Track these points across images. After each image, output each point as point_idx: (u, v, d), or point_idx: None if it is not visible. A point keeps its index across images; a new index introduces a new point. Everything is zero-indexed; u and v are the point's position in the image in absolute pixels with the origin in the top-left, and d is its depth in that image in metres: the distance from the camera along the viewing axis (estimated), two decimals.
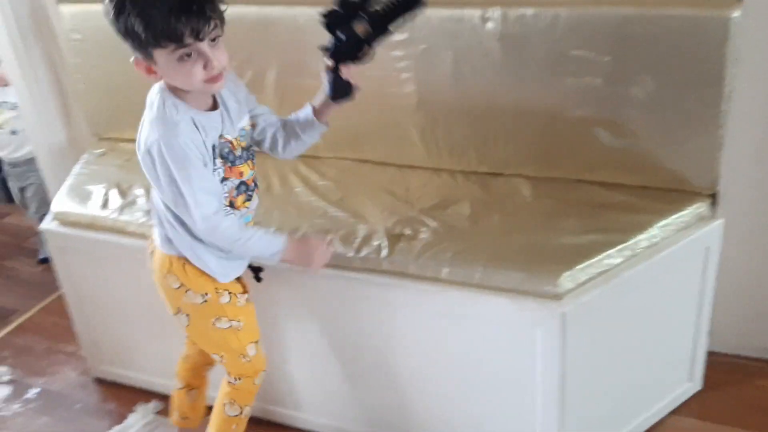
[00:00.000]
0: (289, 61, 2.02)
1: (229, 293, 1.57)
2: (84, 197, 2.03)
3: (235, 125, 1.47)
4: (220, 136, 1.42)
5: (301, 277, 1.71)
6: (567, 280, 1.50)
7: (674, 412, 1.87)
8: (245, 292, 1.62)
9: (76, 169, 2.20)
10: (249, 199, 1.54)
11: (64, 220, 2.00)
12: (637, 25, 1.61)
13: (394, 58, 1.85)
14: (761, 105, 1.71)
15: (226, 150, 1.44)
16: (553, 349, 1.52)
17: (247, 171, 1.50)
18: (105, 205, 1.98)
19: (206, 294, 1.54)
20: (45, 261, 2.84)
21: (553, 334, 1.51)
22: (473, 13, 1.72)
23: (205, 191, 1.39)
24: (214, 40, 1.29)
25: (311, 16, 1.86)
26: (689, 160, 1.69)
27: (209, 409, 1.78)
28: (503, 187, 1.83)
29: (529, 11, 1.68)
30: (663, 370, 1.84)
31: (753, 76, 1.65)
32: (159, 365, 2.12)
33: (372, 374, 1.80)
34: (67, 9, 2.21)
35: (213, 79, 1.32)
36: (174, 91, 1.38)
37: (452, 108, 1.87)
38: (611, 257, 1.56)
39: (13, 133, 2.71)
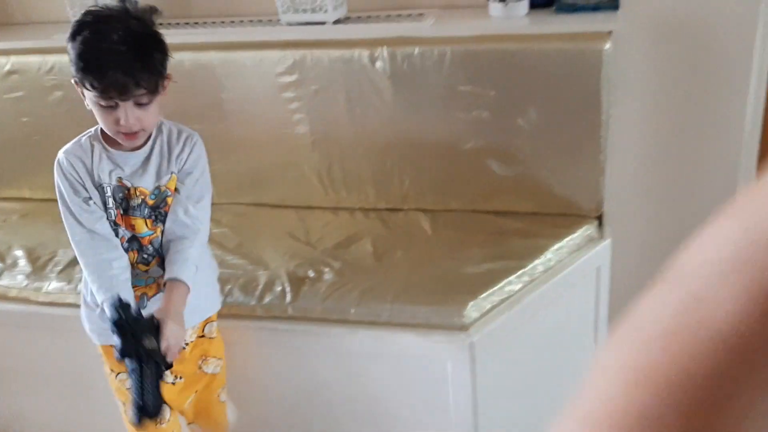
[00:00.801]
0: (176, 108, 1.96)
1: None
2: None
3: (145, 178, 1.39)
4: (119, 179, 1.38)
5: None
6: (472, 309, 1.52)
7: None
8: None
9: None
10: (144, 262, 1.43)
11: None
12: (519, 59, 1.69)
13: (286, 99, 1.84)
14: (637, 130, 1.82)
15: (120, 195, 1.39)
16: (464, 379, 1.53)
17: (141, 228, 1.41)
18: None
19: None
20: None
21: (462, 365, 1.52)
22: (362, 53, 1.75)
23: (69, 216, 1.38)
24: (140, 104, 1.29)
25: (196, 60, 1.85)
26: (575, 185, 1.77)
27: None
28: (403, 222, 1.85)
29: (416, 50, 1.72)
30: (572, 391, 1.89)
31: (626, 103, 1.76)
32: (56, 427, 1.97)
33: (291, 420, 1.74)
34: None
35: (125, 135, 1.32)
36: None
37: (348, 146, 1.88)
38: (512, 283, 1.60)
39: None
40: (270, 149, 1.93)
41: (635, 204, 1.89)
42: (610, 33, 1.64)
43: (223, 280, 1.67)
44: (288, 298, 1.60)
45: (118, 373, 1.47)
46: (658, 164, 1.86)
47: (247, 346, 1.66)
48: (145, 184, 1.39)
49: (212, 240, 1.85)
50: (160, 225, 1.42)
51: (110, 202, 1.38)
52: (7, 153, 2.16)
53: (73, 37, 1.26)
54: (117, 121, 1.28)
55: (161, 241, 1.43)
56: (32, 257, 1.83)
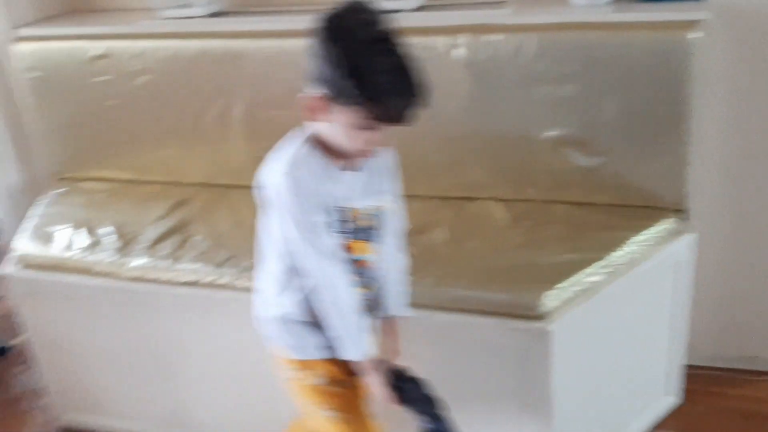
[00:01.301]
0: (257, 94, 2.01)
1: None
2: (47, 238, 1.97)
3: (365, 197, 1.28)
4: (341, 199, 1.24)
5: None
6: (550, 298, 1.51)
7: (656, 427, 1.89)
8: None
9: (37, 210, 2.13)
10: (366, 286, 1.31)
11: (28, 263, 1.93)
12: (601, 48, 1.66)
13: None
14: (723, 122, 1.77)
15: (344, 216, 1.25)
16: (540, 367, 1.53)
17: (365, 251, 1.30)
18: (70, 245, 1.92)
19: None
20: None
21: (539, 354, 1.51)
22: (440, 41, 1.75)
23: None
24: None
25: (280, 47, 1.89)
26: (657, 177, 1.73)
27: None
28: (477, 211, 1.84)
29: (496, 38, 1.72)
30: (643, 385, 1.86)
31: (713, 94, 1.71)
32: (128, 409, 2.05)
33: None
34: (26, 47, 2.15)
35: (365, 152, 1.22)
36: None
37: (422, 133, 1.87)
38: (591, 275, 1.58)
39: None
40: None
41: (721, 198, 1.84)
42: (697, 22, 1.60)
43: None
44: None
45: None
46: (746, 158, 1.81)
47: None
48: (365, 203, 1.27)
49: None
50: (377, 246, 1.31)
51: (337, 224, 1.23)
52: (94, 135, 2.24)
53: (336, 44, 1.09)
54: (369, 141, 1.16)
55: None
56: (119, 234, 1.90)
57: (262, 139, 2.05)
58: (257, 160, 2.12)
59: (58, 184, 2.30)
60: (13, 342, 2.56)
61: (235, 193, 2.12)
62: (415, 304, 1.58)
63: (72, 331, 1.98)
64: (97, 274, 1.85)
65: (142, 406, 2.02)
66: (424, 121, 1.86)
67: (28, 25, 2.21)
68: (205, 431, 1.99)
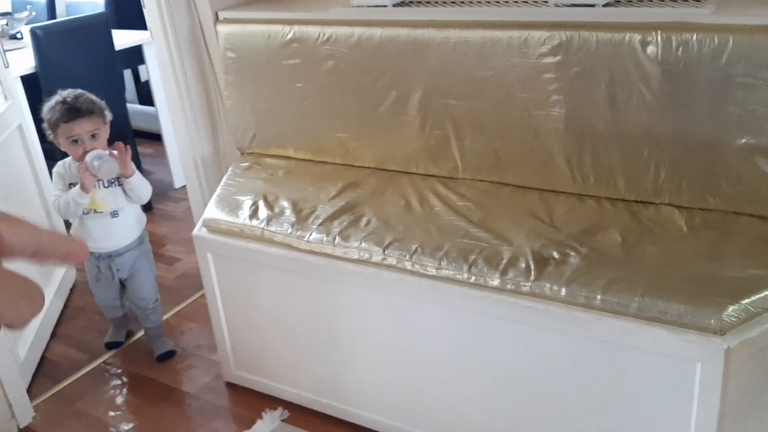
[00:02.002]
0: (435, 83, 2.05)
1: None
2: (233, 207, 2.13)
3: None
4: None
5: (449, 297, 1.72)
6: (733, 313, 1.43)
7: None
8: None
9: (224, 180, 2.31)
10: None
11: (214, 227, 2.10)
12: None
13: (546, 80, 1.84)
14: None
15: None
16: (714, 386, 1.45)
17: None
18: (254, 215, 2.06)
19: None
20: (113, 346, 2.64)
21: (714, 370, 1.44)
22: (633, 37, 1.70)
23: None
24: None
25: (462, 38, 1.92)
26: None
27: None
28: (654, 216, 1.78)
29: (694, 36, 1.64)
30: None
31: None
32: (289, 374, 2.18)
33: (511, 397, 1.77)
34: (223, 28, 2.34)
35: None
36: None
37: (602, 132, 1.84)
38: None
39: None
40: (521, 129, 1.95)
41: None
42: None
43: (466, 251, 1.73)
44: (532, 275, 1.62)
45: None
46: None
47: (485, 318, 1.70)
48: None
49: (457, 211, 1.92)
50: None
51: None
52: (278, 115, 2.39)
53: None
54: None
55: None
56: (296, 209, 2.02)
57: (436, 128, 2.12)
58: (428, 149, 2.20)
59: (242, 158, 2.47)
60: (193, 297, 2.81)
61: (403, 178, 2.19)
62: (583, 305, 1.57)
63: (248, 294, 2.13)
64: (275, 243, 1.97)
65: (302, 373, 2.14)
66: (605, 119, 1.85)
67: (228, 8, 2.39)
68: (359, 405, 2.08)
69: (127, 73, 4.37)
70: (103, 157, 2.11)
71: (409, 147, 2.19)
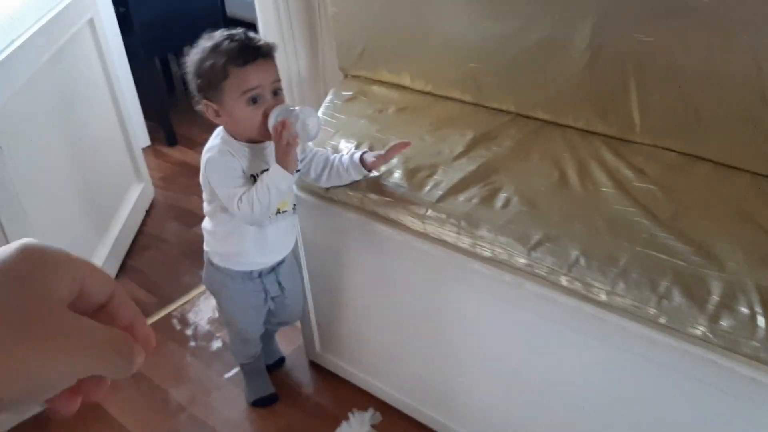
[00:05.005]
0: (618, 7, 1.45)
1: None
2: None
3: None
4: None
5: (624, 337, 1.20)
6: None
7: None
8: None
9: (320, 113, 1.82)
10: None
11: (310, 186, 1.61)
12: None
13: None
14: None
15: None
16: None
17: None
18: None
19: None
20: (268, 401, 1.86)
21: None
22: None
23: None
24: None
25: None
26: None
27: None
28: None
29: None
30: None
31: None
32: (384, 369, 1.76)
33: None
34: None
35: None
36: None
37: None
38: None
39: None
40: (740, 87, 1.34)
41: None
42: None
43: (653, 270, 1.18)
44: (761, 332, 1.07)
45: None
46: None
47: (678, 376, 1.18)
48: None
49: (634, 198, 1.37)
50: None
51: None
52: (395, 29, 1.85)
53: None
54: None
55: None
56: (409, 169, 1.52)
57: (611, 69, 1.53)
58: (596, 96, 1.61)
59: (345, 83, 1.96)
60: None
61: (555, 133, 1.63)
62: None
63: (339, 268, 1.68)
64: (378, 217, 1.49)
65: (401, 372, 1.72)
66: None
67: None
68: (468, 426, 1.64)
69: None
70: (303, 113, 1.34)
71: (568, 91, 1.61)
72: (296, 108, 1.37)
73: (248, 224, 1.42)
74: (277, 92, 1.38)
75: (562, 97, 1.63)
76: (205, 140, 1.44)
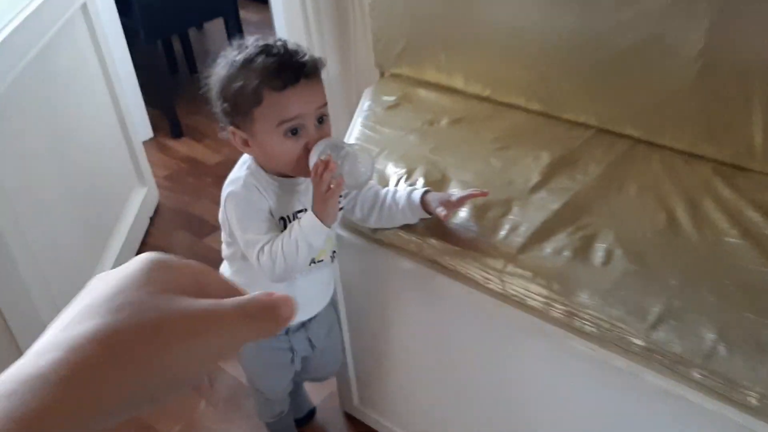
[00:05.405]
0: (738, 11, 1.14)
1: None
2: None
3: None
4: None
5: None
6: None
7: None
8: None
9: (356, 121, 1.52)
10: None
11: (354, 223, 1.31)
12: None
13: None
14: None
15: None
16: None
17: None
18: None
19: None
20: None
21: None
22: None
23: None
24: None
25: None
26: None
27: None
28: None
29: None
30: None
31: None
32: (423, 426, 1.49)
33: None
34: None
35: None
36: None
37: None
38: None
39: None
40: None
41: None
42: None
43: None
44: None
45: None
46: None
47: None
48: None
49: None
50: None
51: None
52: (446, 20, 1.54)
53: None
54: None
55: None
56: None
57: (727, 82, 1.23)
58: (705, 112, 1.30)
59: (383, 83, 1.66)
60: None
61: (653, 156, 1.33)
62: None
63: (393, 320, 1.40)
64: (440, 268, 1.19)
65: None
66: None
67: None
68: None
69: None
70: (353, 152, 1.05)
71: (670, 104, 1.32)
72: (345, 145, 1.07)
73: (270, 281, 1.13)
74: (322, 120, 1.08)
75: (661, 112, 1.33)
76: (213, 132, 1.15)
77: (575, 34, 1.37)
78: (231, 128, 1.11)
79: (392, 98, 1.58)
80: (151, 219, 2.35)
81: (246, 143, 1.11)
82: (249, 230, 1.11)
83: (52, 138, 1.80)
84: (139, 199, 2.29)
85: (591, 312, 1.04)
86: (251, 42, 1.08)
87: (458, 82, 1.59)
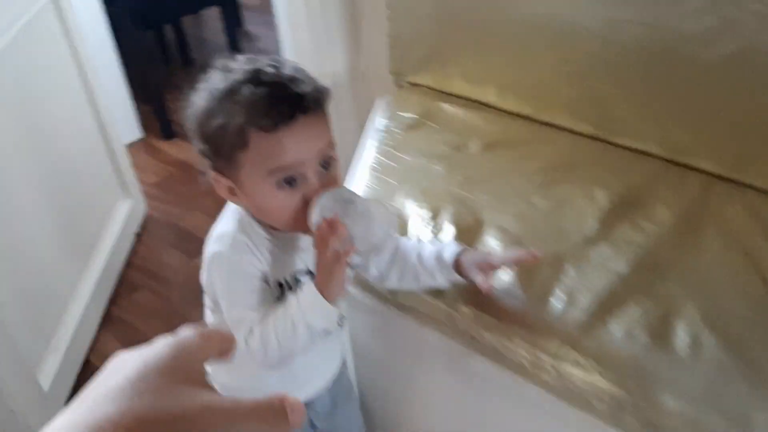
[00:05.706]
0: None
1: None
2: None
3: None
4: None
5: None
6: None
7: None
8: None
9: (369, 146, 1.27)
10: None
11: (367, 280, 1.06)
12: None
13: None
14: None
15: None
16: None
17: None
18: None
19: None
20: None
21: None
22: None
23: None
24: None
25: None
26: None
27: None
28: None
29: None
30: None
31: None
32: None
33: None
34: None
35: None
36: None
37: None
38: None
39: None
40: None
41: None
42: None
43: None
44: None
45: None
46: None
47: None
48: None
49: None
50: None
51: None
52: (477, 24, 1.28)
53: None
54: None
55: None
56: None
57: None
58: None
59: (401, 96, 1.41)
60: None
61: (734, 197, 1.09)
62: None
63: (414, 397, 1.16)
64: (476, 345, 0.95)
65: None
66: None
67: None
68: None
69: None
70: (365, 208, 0.82)
71: (760, 133, 1.06)
72: (357, 198, 0.83)
73: (260, 366, 0.89)
74: (326, 165, 0.84)
75: (748, 142, 1.08)
76: None
77: (640, 39, 1.11)
78: (213, 174, 0.86)
79: (412, 115, 1.33)
80: (138, 235, 2.11)
81: (232, 192, 0.87)
82: (236, 305, 0.87)
83: (23, 145, 1.56)
84: (123, 212, 2.05)
85: (678, 420, 0.80)
86: (239, 64, 0.83)
87: (490, 96, 1.33)
